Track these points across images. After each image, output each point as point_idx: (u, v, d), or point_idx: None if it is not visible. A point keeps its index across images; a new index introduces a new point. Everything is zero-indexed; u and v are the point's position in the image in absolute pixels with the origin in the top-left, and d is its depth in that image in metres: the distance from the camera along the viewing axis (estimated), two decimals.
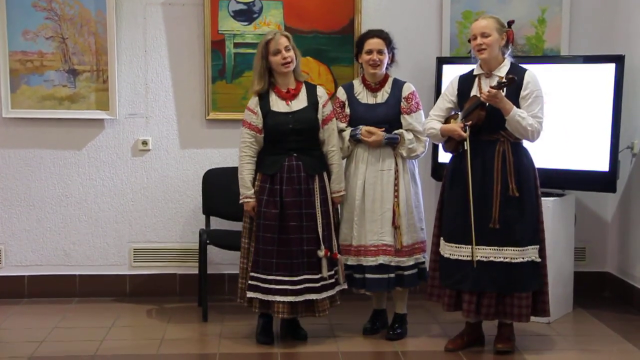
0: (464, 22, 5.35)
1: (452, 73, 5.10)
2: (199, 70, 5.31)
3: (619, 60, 4.84)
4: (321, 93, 4.50)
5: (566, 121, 4.76)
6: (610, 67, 4.84)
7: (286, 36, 4.38)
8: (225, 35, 5.28)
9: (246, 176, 4.41)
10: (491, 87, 4.11)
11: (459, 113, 4.31)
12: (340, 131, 4.54)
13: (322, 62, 5.29)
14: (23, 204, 5.36)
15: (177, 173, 5.41)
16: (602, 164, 4.87)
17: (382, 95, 4.52)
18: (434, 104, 5.10)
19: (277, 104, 4.40)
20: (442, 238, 4.37)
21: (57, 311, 5.10)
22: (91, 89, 5.26)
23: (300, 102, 4.43)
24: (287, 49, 4.33)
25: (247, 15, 5.28)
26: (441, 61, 5.24)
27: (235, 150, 5.19)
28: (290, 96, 4.42)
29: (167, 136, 5.38)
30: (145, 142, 5.36)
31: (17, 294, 5.36)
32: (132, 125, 5.36)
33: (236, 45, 5.29)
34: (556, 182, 4.82)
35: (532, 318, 4.34)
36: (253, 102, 4.43)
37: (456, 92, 4.36)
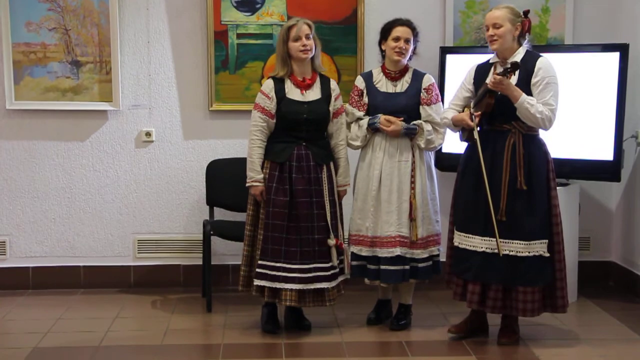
0: (467, 12, 5.33)
1: (455, 63, 5.11)
2: (202, 61, 5.31)
3: (623, 49, 4.82)
4: (334, 86, 4.51)
5: (570, 110, 4.74)
6: (615, 56, 4.83)
7: (308, 24, 4.38)
8: (228, 25, 5.27)
9: (256, 160, 4.39)
10: (496, 74, 4.09)
11: None
12: (358, 119, 4.53)
13: (325, 53, 5.25)
14: (27, 195, 5.37)
15: (180, 164, 5.41)
16: (606, 153, 4.86)
17: (402, 85, 4.50)
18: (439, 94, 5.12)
19: (292, 92, 4.40)
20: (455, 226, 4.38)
21: (62, 302, 5.11)
22: (94, 81, 5.26)
23: (314, 93, 4.43)
24: (307, 37, 4.34)
25: (249, 5, 5.27)
26: (444, 51, 5.23)
27: (239, 141, 5.22)
28: (305, 86, 4.42)
29: (170, 127, 5.38)
30: (148, 134, 5.36)
31: (22, 285, 5.37)
32: (135, 116, 5.36)
33: (239, 36, 5.28)
34: (560, 171, 4.80)
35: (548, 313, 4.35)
36: (268, 86, 4.42)
37: (472, 81, 4.34)
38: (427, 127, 4.43)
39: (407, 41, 4.42)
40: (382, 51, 4.53)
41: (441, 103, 4.54)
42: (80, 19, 5.21)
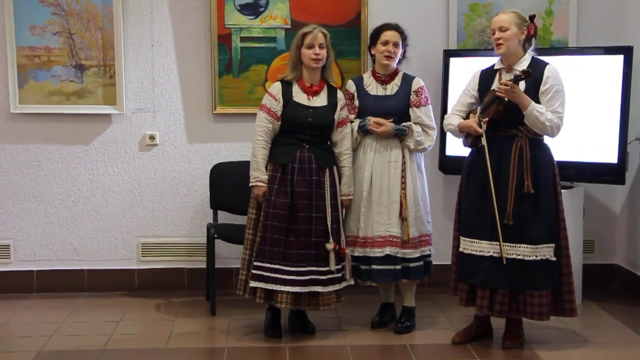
0: (470, 15, 5.33)
1: (459, 66, 5.11)
2: (206, 64, 5.31)
3: (627, 52, 4.82)
4: (341, 96, 4.53)
5: (574, 113, 4.73)
6: (619, 59, 4.82)
7: (324, 34, 4.40)
8: (232, 29, 5.27)
9: (260, 160, 4.40)
10: (507, 81, 4.08)
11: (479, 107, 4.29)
12: (349, 122, 4.55)
13: None
14: (31, 199, 5.37)
15: (184, 167, 5.41)
16: (610, 156, 4.85)
17: (392, 88, 4.54)
18: (441, 96, 5.13)
19: (299, 96, 4.42)
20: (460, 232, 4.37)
21: (66, 306, 5.12)
22: (98, 84, 5.27)
23: (320, 100, 4.44)
24: (321, 46, 4.36)
25: (253, 9, 5.27)
26: (448, 54, 5.23)
27: (243, 144, 5.22)
28: (312, 92, 4.44)
29: (174, 131, 5.38)
30: (152, 137, 5.37)
31: (26, 288, 5.38)
32: (139, 120, 5.36)
33: (242, 39, 5.28)
34: (565, 174, 4.79)
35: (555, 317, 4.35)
36: (276, 88, 4.44)
37: (477, 87, 4.34)
38: (417, 128, 4.47)
39: (395, 45, 4.47)
40: (372, 56, 4.60)
41: (430, 106, 4.57)
42: (85, 22, 5.22)
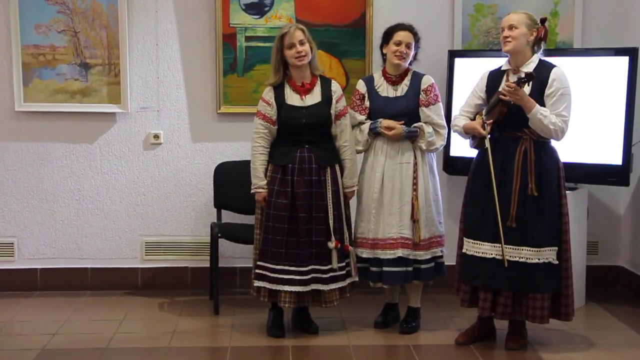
0: (476, 15, 5.33)
1: (464, 66, 5.10)
2: (211, 63, 5.31)
3: (632, 53, 4.80)
4: (335, 88, 4.50)
5: (579, 115, 4.72)
6: (624, 60, 4.81)
7: (301, 29, 4.38)
8: (237, 28, 5.28)
9: (259, 166, 4.42)
10: (510, 83, 4.07)
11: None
12: (360, 124, 4.54)
13: (333, 56, 5.28)
14: (35, 197, 5.38)
15: (188, 166, 5.41)
16: (615, 158, 4.84)
17: (402, 89, 4.52)
18: (446, 97, 5.13)
19: (292, 97, 4.41)
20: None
21: (69, 304, 5.12)
22: (103, 83, 5.27)
23: (314, 97, 4.43)
24: (301, 42, 4.33)
25: (258, 8, 5.27)
26: (453, 54, 5.22)
27: (247, 144, 5.21)
28: (304, 90, 4.42)
29: (178, 130, 5.38)
30: (156, 136, 5.37)
31: (30, 286, 5.38)
32: (143, 118, 5.37)
33: (247, 38, 5.28)
34: (569, 175, 4.78)
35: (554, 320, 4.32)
36: (268, 93, 4.44)
37: (485, 88, 4.33)
38: (428, 129, 4.45)
39: (408, 46, 4.45)
40: (383, 55, 4.57)
41: (440, 104, 4.55)
42: (90, 21, 5.22)
